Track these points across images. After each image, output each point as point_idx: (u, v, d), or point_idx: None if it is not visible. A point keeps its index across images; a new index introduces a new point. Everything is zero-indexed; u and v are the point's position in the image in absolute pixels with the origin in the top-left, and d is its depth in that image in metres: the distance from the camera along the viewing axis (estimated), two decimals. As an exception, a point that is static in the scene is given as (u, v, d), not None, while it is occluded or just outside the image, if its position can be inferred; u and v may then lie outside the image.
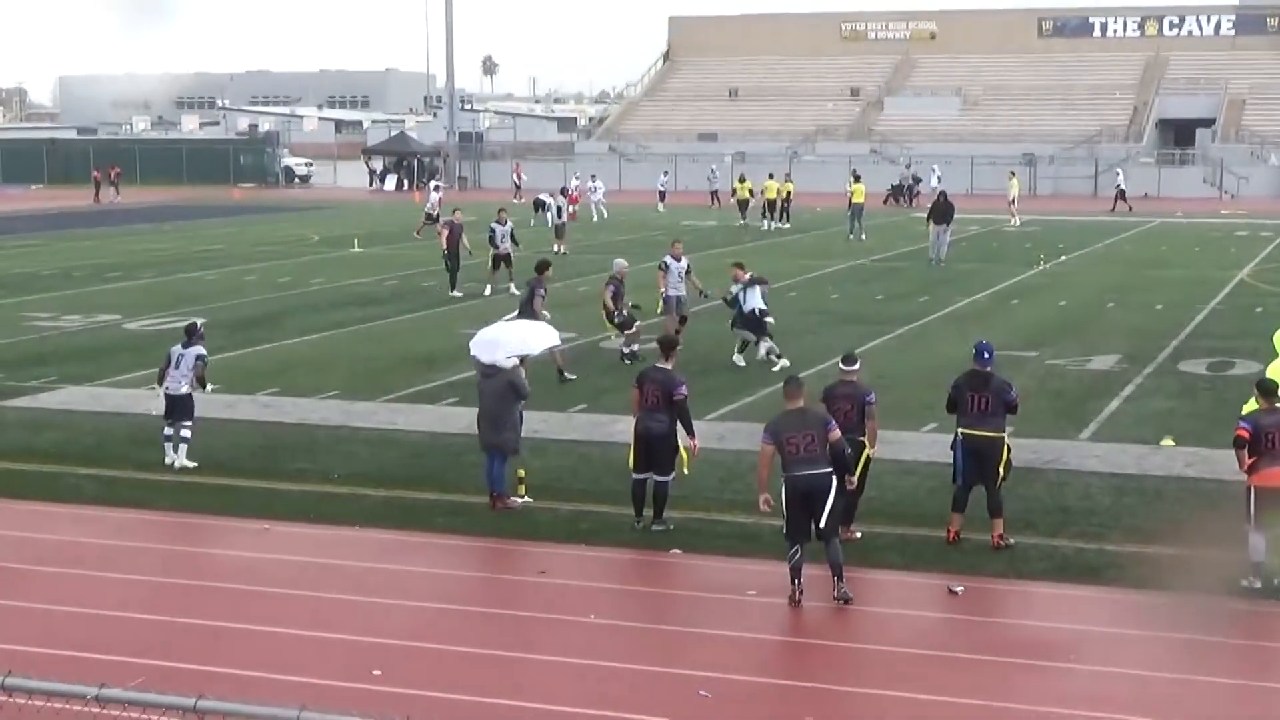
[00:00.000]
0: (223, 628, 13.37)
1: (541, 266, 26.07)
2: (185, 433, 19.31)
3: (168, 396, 19.37)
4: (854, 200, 55.29)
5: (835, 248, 51.09)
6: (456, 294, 36.59)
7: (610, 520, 16.60)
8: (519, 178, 79.76)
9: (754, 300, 25.99)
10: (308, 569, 15.14)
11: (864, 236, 53.84)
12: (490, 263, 37.51)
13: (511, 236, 37.83)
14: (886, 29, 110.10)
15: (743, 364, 25.90)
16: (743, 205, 61.93)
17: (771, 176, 62.85)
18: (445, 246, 37.40)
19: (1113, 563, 15.10)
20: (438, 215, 54.72)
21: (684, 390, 16.32)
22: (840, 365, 16.20)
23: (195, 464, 19.15)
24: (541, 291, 25.13)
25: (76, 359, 27.68)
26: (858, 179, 58.06)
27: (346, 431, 21.48)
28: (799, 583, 13.89)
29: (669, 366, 16.71)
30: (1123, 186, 71.26)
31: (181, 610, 13.87)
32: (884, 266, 44.86)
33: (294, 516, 16.97)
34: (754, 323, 25.97)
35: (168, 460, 19.26)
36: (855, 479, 14.87)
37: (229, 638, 13.13)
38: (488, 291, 36.81)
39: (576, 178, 70.73)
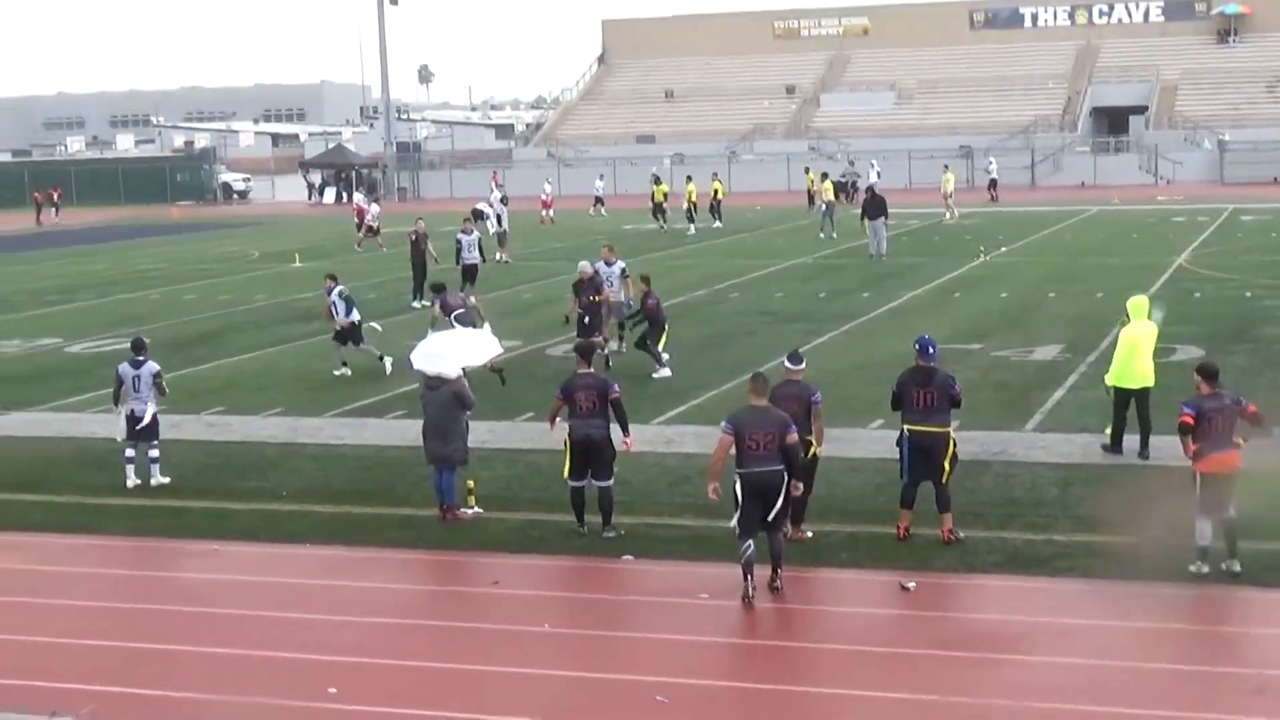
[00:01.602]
0: (175, 651, 13.28)
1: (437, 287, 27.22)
2: (154, 452, 19.34)
3: (131, 419, 19.25)
4: (826, 199, 56.35)
5: (776, 246, 51.16)
6: (416, 305, 36.30)
7: (562, 528, 16.59)
8: (497, 185, 73.61)
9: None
10: (259, 589, 15.06)
11: (835, 234, 53.11)
12: (461, 275, 37.02)
13: (480, 247, 37.89)
14: (819, 25, 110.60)
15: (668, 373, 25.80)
16: (659, 209, 60.60)
17: (690, 179, 62.05)
18: (412, 256, 37.84)
19: (1062, 552, 15.19)
20: (378, 228, 54.64)
21: (617, 388, 16.58)
22: (786, 364, 16.23)
23: (169, 479, 19.22)
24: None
25: (18, 384, 27.44)
26: (825, 177, 59.58)
27: (293, 448, 21.40)
28: (751, 579, 13.93)
29: (592, 370, 16.84)
30: (994, 176, 72.01)
31: (133, 635, 13.78)
32: (826, 264, 44.99)
33: (244, 536, 16.89)
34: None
35: (129, 483, 19.15)
36: (800, 485, 14.77)
37: (182, 662, 13.04)
38: (472, 300, 36.12)
39: (549, 183, 70.46)
